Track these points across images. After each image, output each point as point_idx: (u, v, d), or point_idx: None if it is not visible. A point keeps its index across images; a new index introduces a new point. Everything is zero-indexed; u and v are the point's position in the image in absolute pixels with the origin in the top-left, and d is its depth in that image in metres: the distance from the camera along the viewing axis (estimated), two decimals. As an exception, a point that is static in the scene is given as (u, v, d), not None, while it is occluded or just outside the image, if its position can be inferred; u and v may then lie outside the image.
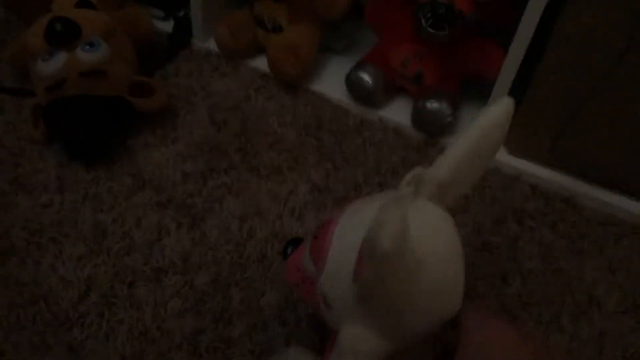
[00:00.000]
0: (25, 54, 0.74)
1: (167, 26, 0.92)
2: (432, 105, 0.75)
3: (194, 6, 0.87)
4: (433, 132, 0.78)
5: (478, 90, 0.81)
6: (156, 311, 0.60)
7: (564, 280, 0.66)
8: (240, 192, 0.71)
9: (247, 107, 0.82)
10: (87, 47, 0.70)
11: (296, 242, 0.51)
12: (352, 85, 0.80)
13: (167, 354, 0.57)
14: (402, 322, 0.40)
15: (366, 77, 0.78)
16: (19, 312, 0.59)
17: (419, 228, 0.39)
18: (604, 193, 0.73)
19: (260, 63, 0.88)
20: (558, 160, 0.74)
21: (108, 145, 0.73)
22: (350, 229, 0.43)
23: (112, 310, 0.60)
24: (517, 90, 0.71)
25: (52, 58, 0.70)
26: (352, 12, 0.84)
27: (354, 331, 0.41)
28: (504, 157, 0.77)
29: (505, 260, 0.68)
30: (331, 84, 0.85)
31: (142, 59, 0.83)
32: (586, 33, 0.62)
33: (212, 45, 0.90)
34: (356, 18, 0.87)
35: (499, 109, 0.44)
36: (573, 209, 0.73)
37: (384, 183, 0.75)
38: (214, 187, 0.72)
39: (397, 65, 0.79)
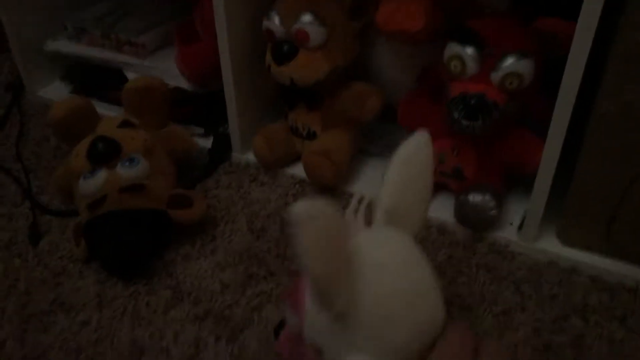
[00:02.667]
0: (71, 176, 0.76)
1: (208, 142, 0.95)
2: (475, 198, 0.73)
3: (231, 122, 0.90)
4: (478, 227, 0.75)
5: (524, 184, 0.78)
6: None
7: (643, 382, 0.59)
8: (280, 300, 0.69)
9: (286, 213, 0.81)
10: (127, 163, 0.73)
11: (283, 323, 0.53)
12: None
13: None
14: (384, 335, 0.41)
15: (403, 176, 0.77)
16: None
17: (373, 240, 0.47)
18: (674, 280, 0.67)
19: (297, 170, 0.88)
20: (616, 247, 0.69)
21: (147, 259, 0.73)
22: None
23: None
24: (563, 179, 0.68)
25: (93, 176, 0.72)
26: (388, 114, 0.85)
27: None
28: (558, 249, 0.73)
29: (572, 360, 0.61)
30: (369, 186, 0.84)
31: (183, 174, 0.85)
32: (627, 111, 0.60)
33: (250, 157, 0.91)
34: (392, 120, 0.88)
35: (413, 139, 0.52)
36: (642, 300, 0.67)
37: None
38: (253, 295, 0.70)
39: (434, 162, 0.77)
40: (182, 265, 0.74)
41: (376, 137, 0.91)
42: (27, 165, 0.94)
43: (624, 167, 0.63)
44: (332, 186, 0.84)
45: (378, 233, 0.49)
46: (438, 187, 0.81)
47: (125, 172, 0.72)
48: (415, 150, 0.51)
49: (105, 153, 0.73)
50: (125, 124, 0.79)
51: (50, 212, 0.83)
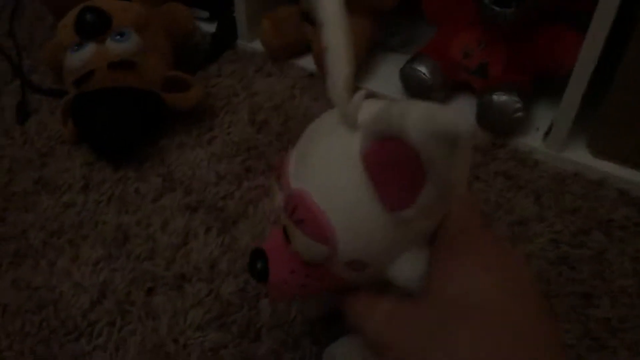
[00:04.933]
0: (59, 50, 0.70)
1: (212, 27, 0.87)
2: (500, 98, 0.65)
3: (238, 5, 0.82)
4: (501, 130, 0.68)
5: (554, 88, 0.70)
6: (174, 321, 0.52)
7: (666, 303, 0.54)
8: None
9: (291, 107, 0.75)
10: (117, 37, 0.66)
11: (260, 252, 0.40)
12: (407, 79, 0.71)
13: (183, 371, 0.49)
14: (436, 212, 0.34)
15: (423, 70, 0.70)
16: (26, 318, 0.53)
17: None
18: None
19: (308, 62, 0.81)
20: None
21: (137, 142, 0.67)
22: (331, 178, 0.34)
23: (125, 319, 0.53)
24: (598, 86, 0.61)
25: (80, 49, 0.66)
26: (409, 8, 0.77)
27: (411, 259, 0.35)
28: (586, 158, 0.66)
29: (590, 277, 0.56)
30: (385, 81, 0.77)
31: (184, 60, 0.78)
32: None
33: (257, 45, 0.84)
34: (414, 14, 0.79)
35: None
36: (673, 218, 0.60)
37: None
38: (250, 188, 0.65)
39: (458, 57, 0.70)
40: (176, 154, 0.69)
41: (395, 32, 0.83)
42: (20, 43, 0.88)
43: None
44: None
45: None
46: (460, 87, 0.74)
47: (114, 46, 0.65)
48: None
49: (94, 25, 0.66)
50: (118, -5, 0.71)
51: (40, 90, 0.78)
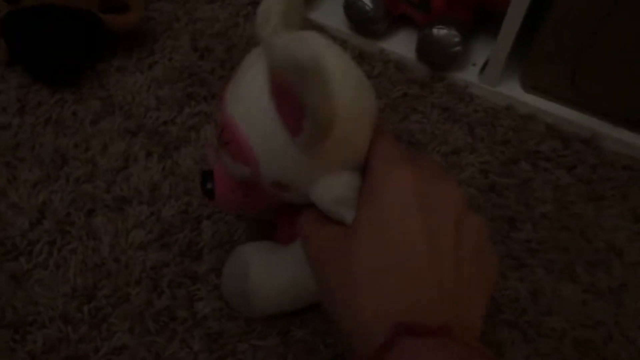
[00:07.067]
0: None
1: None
2: (440, 31, 0.67)
3: None
4: (439, 63, 0.70)
5: (492, 26, 0.72)
6: (115, 242, 0.53)
7: (580, 227, 0.58)
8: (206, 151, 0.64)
9: (235, 34, 0.74)
10: (52, -49, 0.63)
11: (209, 174, 0.43)
12: (351, 11, 0.72)
13: (124, 288, 0.50)
14: (352, 141, 0.37)
15: (366, 1, 0.70)
16: (-38, 238, 0.53)
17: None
18: (629, 135, 0.65)
19: (251, -10, 0.80)
20: (578, 97, 0.66)
21: (75, 65, 0.66)
22: (251, 105, 0.36)
23: (65, 239, 0.53)
24: (533, 23, 0.63)
25: (11, -38, 0.63)
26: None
27: (327, 183, 0.37)
28: (518, 93, 0.69)
29: (515, 203, 0.60)
30: (329, 12, 0.77)
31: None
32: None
33: (200, -30, 0.82)
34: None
35: None
36: (594, 151, 0.64)
37: (381, 119, 0.67)
38: (191, 114, 0.65)
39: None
40: (115, 77, 0.68)
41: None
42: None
43: (596, 6, 0.58)
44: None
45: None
46: (402, 20, 0.75)
47: (49, -39, 0.63)
48: None
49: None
50: None
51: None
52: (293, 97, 0.31)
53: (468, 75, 0.71)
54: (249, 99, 0.36)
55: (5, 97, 0.65)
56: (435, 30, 0.67)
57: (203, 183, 0.43)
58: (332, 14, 0.77)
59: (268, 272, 0.45)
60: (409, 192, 0.34)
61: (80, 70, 0.67)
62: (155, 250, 0.53)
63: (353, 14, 0.72)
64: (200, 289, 0.51)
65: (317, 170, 0.37)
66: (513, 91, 0.69)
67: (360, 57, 0.73)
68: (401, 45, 0.73)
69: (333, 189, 0.37)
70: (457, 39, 0.67)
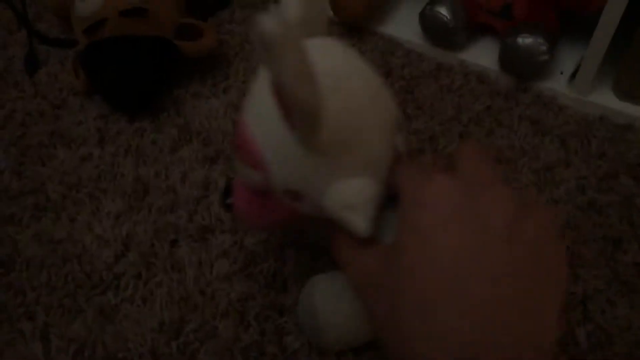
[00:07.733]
0: (68, -2, 0.68)
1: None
2: (525, 40, 0.63)
3: (249, -52, 0.79)
4: (525, 74, 0.66)
5: (580, 30, 0.68)
6: (200, 273, 0.52)
7: (696, 247, 0.53)
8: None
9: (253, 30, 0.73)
10: (128, -17, 0.63)
11: (228, 188, 0.43)
12: (427, 22, 0.69)
13: (212, 322, 0.49)
14: (362, 144, 0.35)
15: (444, 12, 0.67)
16: (51, 272, 0.53)
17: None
18: None
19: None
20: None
21: (151, 92, 0.66)
22: (259, 105, 0.36)
23: (150, 272, 0.53)
24: (628, 28, 0.58)
25: (90, -4, 0.63)
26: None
27: (336, 189, 0.35)
28: (613, 103, 0.64)
29: (618, 222, 0.55)
30: (403, 25, 0.75)
31: (194, 5, 0.76)
32: None
33: (269, -10, 0.81)
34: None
35: None
36: (703, 162, 0.59)
37: (465, 134, 0.63)
38: (269, 138, 0.63)
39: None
40: (191, 104, 0.67)
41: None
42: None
43: None
44: (361, 23, 0.75)
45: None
46: (481, 29, 0.71)
47: (125, -8, 0.63)
48: None
49: (103, -30, 0.63)
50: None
51: (47, 41, 0.75)
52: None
53: (556, 84, 0.67)
54: (260, 102, 0.36)
55: (85, 127, 0.65)
56: (520, 39, 0.63)
57: (225, 196, 0.43)
58: (406, 26, 0.74)
59: (334, 304, 0.43)
60: (446, 208, 0.32)
61: (157, 98, 0.67)
62: (241, 281, 0.52)
63: (430, 26, 0.69)
64: (288, 322, 0.49)
65: (327, 177, 0.35)
66: (606, 100, 0.65)
67: (438, 70, 0.70)
68: (482, 55, 0.70)
69: (342, 194, 0.35)
70: (544, 47, 0.63)
